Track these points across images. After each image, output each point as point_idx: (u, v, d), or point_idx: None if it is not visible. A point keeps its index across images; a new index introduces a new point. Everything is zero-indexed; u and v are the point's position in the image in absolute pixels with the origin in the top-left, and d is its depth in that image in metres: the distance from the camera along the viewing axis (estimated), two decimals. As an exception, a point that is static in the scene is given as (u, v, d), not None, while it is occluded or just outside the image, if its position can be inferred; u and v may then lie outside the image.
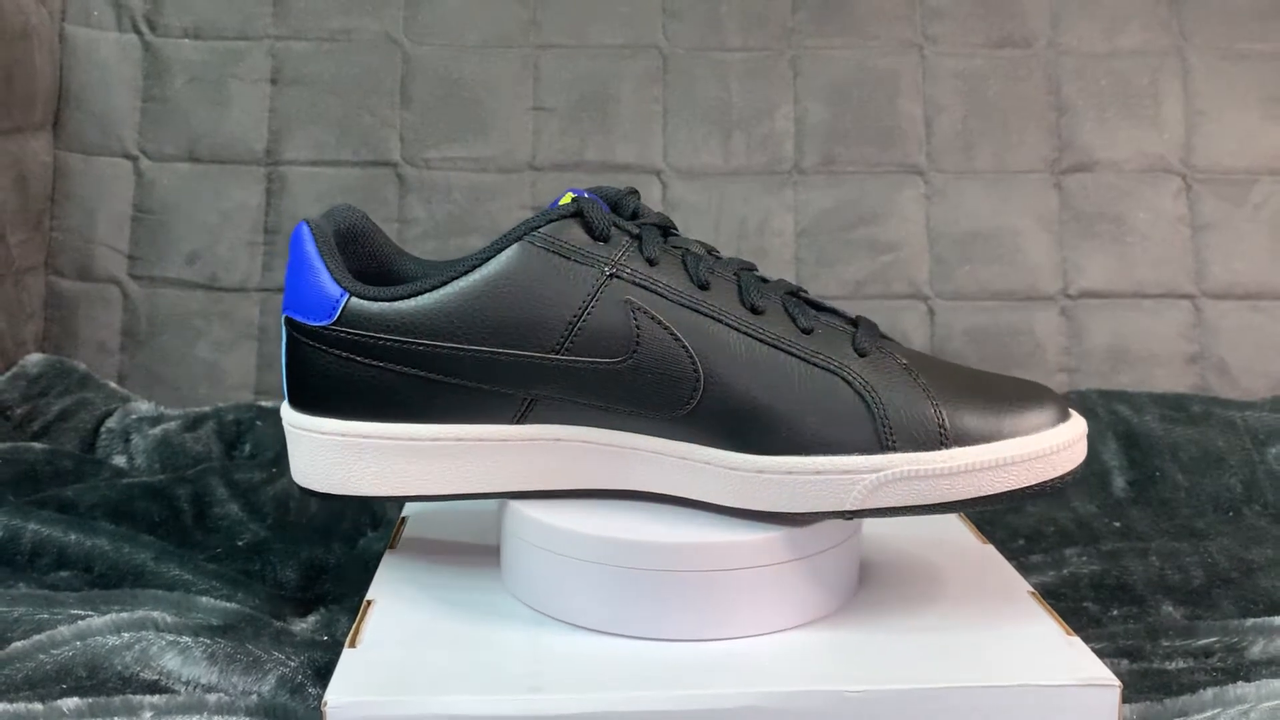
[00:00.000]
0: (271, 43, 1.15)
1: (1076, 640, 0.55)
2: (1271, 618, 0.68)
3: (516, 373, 0.58)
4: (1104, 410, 1.01)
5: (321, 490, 0.61)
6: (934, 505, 0.54)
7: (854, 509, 0.54)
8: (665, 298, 0.57)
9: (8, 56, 1.04)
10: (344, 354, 0.59)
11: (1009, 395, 0.56)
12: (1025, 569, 0.77)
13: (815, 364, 0.56)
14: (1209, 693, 0.59)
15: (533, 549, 0.57)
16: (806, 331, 0.57)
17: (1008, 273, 1.14)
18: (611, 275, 0.57)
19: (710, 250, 0.60)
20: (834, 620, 0.57)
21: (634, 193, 0.61)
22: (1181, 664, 0.65)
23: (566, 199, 0.59)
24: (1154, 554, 0.79)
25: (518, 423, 0.59)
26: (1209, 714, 0.57)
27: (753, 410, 0.55)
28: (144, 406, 1.04)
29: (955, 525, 0.69)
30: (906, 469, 0.54)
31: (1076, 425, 0.56)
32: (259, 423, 1.02)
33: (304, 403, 0.61)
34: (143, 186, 1.13)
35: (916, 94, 1.16)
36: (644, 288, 0.57)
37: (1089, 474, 0.95)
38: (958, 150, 1.15)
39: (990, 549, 0.66)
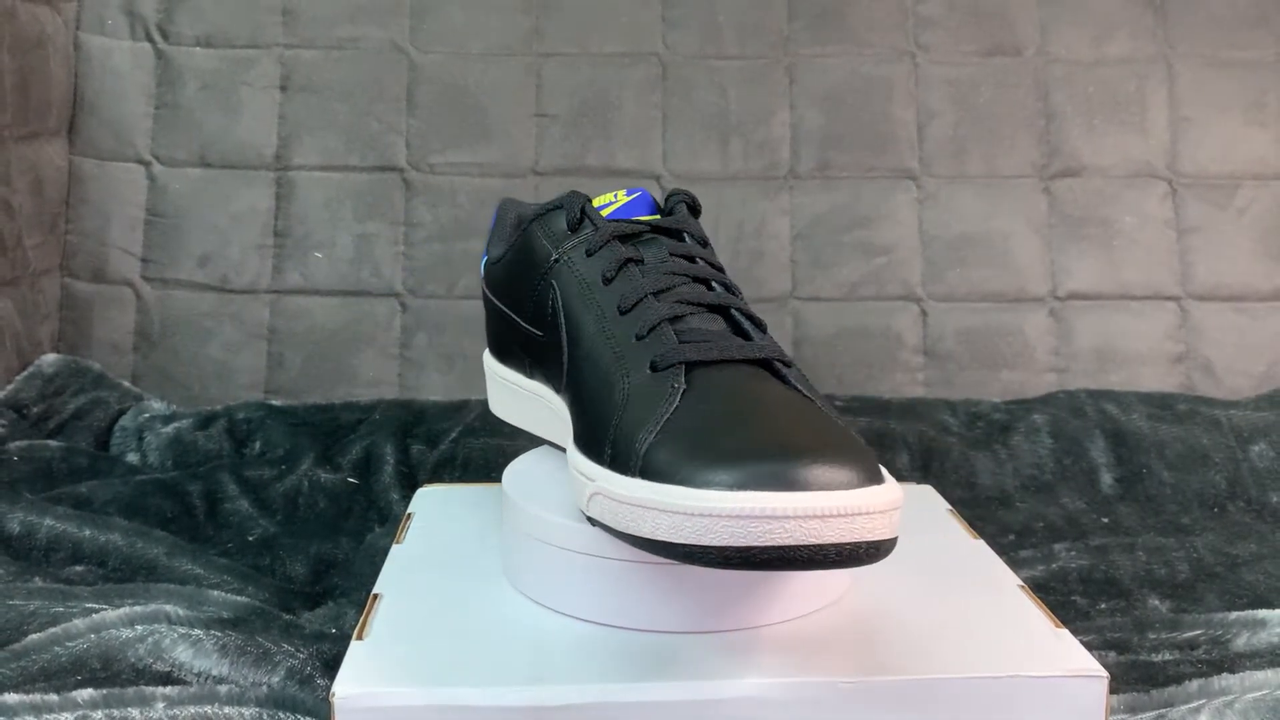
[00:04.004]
0: (281, 51, 1.16)
1: (1065, 633, 0.55)
2: (1255, 611, 0.69)
3: (520, 334, 0.64)
4: (1092, 409, 1.02)
5: (492, 410, 0.71)
6: (630, 536, 0.49)
7: (587, 515, 0.52)
8: (574, 287, 0.59)
9: (24, 64, 1.05)
10: (485, 303, 0.69)
11: (762, 449, 0.47)
12: (1015, 563, 0.78)
13: (615, 368, 0.55)
14: (1194, 684, 0.60)
15: (533, 543, 0.58)
16: (639, 338, 0.55)
17: (998, 275, 1.15)
18: (556, 260, 0.60)
19: (691, 257, 0.60)
20: (829, 613, 0.57)
21: (677, 193, 0.63)
22: (1168, 656, 0.66)
23: (620, 194, 0.64)
24: (1141, 549, 0.81)
25: (529, 377, 0.65)
26: (1194, 705, 0.58)
27: (577, 400, 0.57)
28: (157, 405, 1.05)
29: (947, 521, 0.70)
30: (602, 486, 0.51)
31: (834, 499, 0.46)
32: (269, 421, 1.02)
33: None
34: (155, 191, 1.15)
35: (909, 101, 1.17)
36: (569, 275, 0.60)
37: (1078, 471, 0.96)
38: (949, 155, 1.16)
39: (981, 544, 0.66)
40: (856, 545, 0.46)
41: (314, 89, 1.16)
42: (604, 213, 0.62)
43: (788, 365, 0.55)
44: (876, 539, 0.47)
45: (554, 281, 0.60)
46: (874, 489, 0.47)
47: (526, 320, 0.63)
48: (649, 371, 0.53)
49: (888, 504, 0.47)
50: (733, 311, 0.57)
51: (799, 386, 0.54)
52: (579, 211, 0.61)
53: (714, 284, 0.59)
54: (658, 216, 0.62)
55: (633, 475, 0.50)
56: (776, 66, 1.17)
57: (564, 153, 1.16)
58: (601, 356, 0.56)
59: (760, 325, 0.57)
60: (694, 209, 0.64)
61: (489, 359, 0.70)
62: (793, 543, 0.45)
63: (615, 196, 0.63)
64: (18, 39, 1.05)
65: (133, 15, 1.16)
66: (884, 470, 0.50)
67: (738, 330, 0.57)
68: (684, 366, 0.53)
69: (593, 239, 0.60)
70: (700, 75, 1.17)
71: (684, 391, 0.52)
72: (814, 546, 0.45)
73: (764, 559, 0.46)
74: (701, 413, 0.50)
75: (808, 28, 1.18)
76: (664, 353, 0.54)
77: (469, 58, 1.17)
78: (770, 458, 0.47)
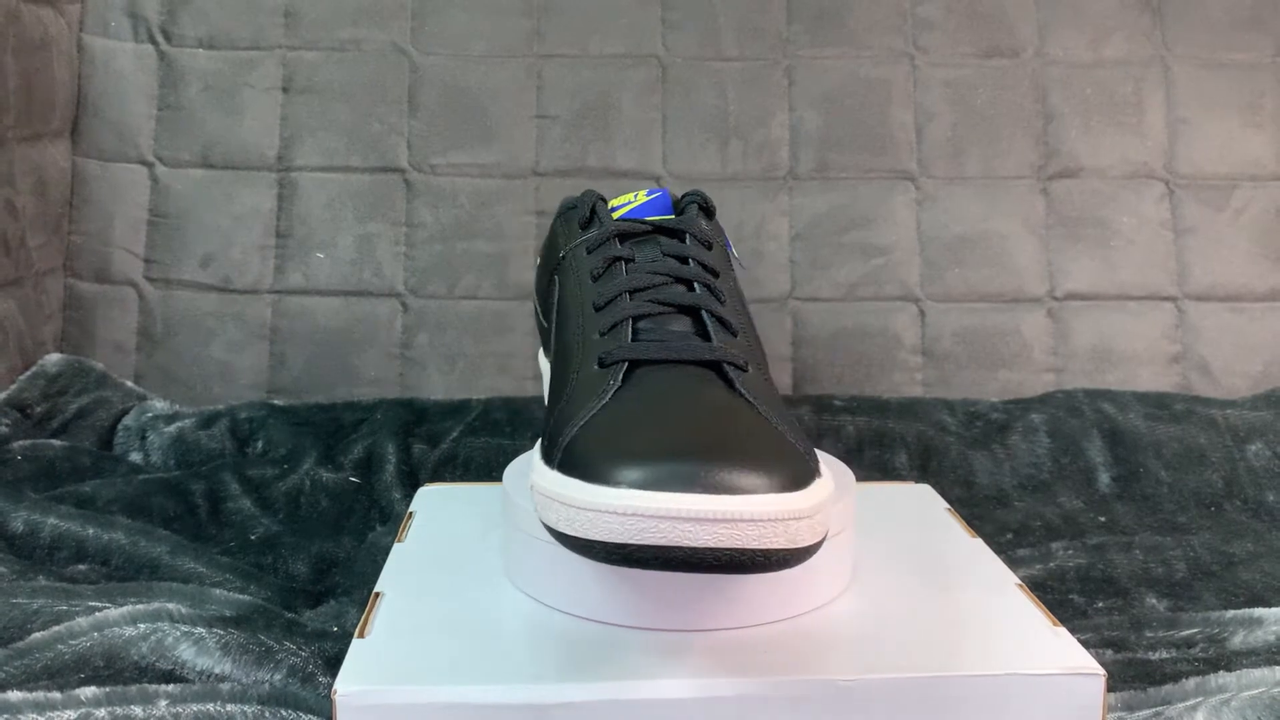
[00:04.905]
0: (283, 52, 1.17)
1: (1063, 631, 0.55)
2: (1252, 609, 0.69)
3: (539, 324, 0.66)
4: (1089, 409, 1.02)
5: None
6: (553, 531, 0.49)
7: (535, 507, 0.52)
8: (571, 283, 0.60)
9: (28, 66, 1.06)
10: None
11: (661, 450, 0.46)
12: (1013, 562, 0.79)
13: (573, 362, 0.55)
14: (1191, 682, 0.60)
15: (534, 541, 0.58)
16: (602, 334, 0.55)
17: (996, 275, 1.15)
18: (563, 256, 0.62)
19: (684, 258, 0.60)
20: (827, 611, 0.58)
21: (690, 194, 0.64)
22: (1164, 654, 0.66)
23: (640, 194, 0.65)
24: (1138, 548, 0.81)
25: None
26: (1191, 703, 0.58)
27: (549, 391, 0.58)
28: (159, 405, 1.05)
29: (945, 520, 0.70)
30: (534, 478, 0.51)
31: (713, 503, 0.44)
32: (271, 420, 1.02)
33: None
34: (158, 191, 1.15)
35: (907, 102, 1.17)
36: (570, 271, 0.61)
37: (1076, 470, 0.96)
38: (947, 157, 1.16)
39: (979, 543, 0.67)
40: (739, 552, 0.44)
41: (316, 90, 1.16)
42: (618, 213, 0.63)
43: (742, 369, 0.54)
44: (765, 547, 0.44)
45: (558, 276, 0.62)
46: (772, 496, 0.45)
47: (541, 313, 0.65)
48: (596, 368, 0.54)
49: (786, 513, 0.45)
50: (703, 313, 0.57)
51: (744, 391, 0.52)
52: (589, 210, 0.62)
53: (695, 285, 0.58)
54: (671, 217, 0.63)
55: (553, 467, 0.50)
56: (775, 68, 1.17)
57: (564, 154, 1.16)
58: (571, 350, 0.57)
59: (731, 329, 0.56)
60: (706, 210, 0.64)
61: (540, 352, 0.72)
62: (667, 544, 0.44)
63: (634, 196, 0.64)
64: (21, 41, 1.05)
65: (135, 17, 1.16)
66: (818, 479, 0.48)
67: (701, 332, 0.56)
68: (626, 364, 0.53)
69: (595, 237, 0.61)
70: (700, 77, 1.17)
71: (617, 389, 0.52)
72: (689, 549, 0.44)
73: (641, 558, 0.45)
74: (624, 411, 0.50)
75: (806, 30, 1.18)
76: (611, 349, 0.54)
77: (470, 59, 1.17)
78: (667, 458, 0.46)
